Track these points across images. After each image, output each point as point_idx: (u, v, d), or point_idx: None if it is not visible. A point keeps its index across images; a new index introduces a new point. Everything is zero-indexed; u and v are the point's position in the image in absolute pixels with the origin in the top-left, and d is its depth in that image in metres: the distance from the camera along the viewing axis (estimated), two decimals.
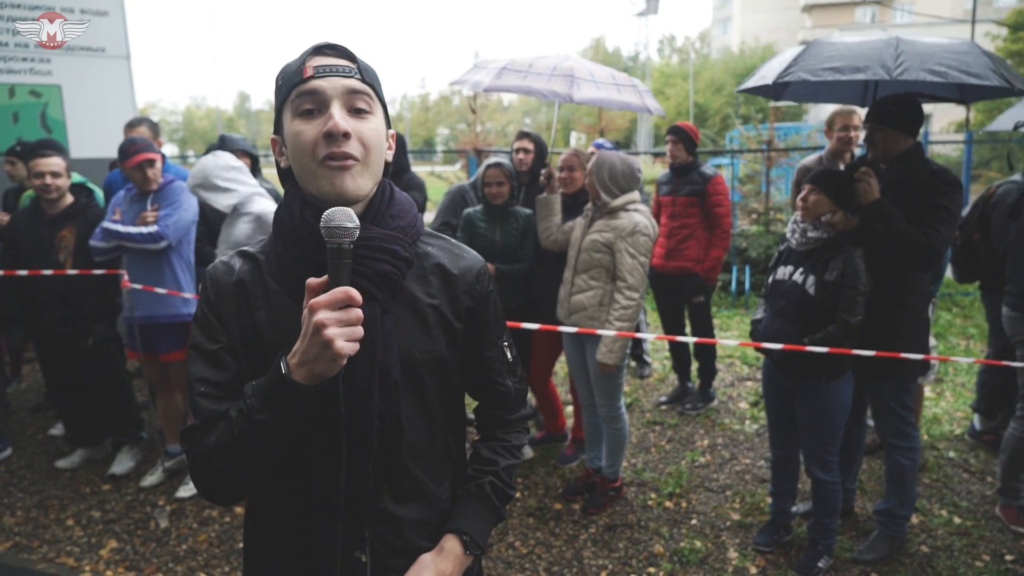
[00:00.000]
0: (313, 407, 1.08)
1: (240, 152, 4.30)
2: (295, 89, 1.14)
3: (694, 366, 5.17)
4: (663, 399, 5.20)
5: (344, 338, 1.00)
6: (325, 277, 1.04)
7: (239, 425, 1.08)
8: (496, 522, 1.34)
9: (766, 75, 3.02)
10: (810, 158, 4.41)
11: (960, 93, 3.15)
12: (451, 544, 1.26)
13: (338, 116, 1.11)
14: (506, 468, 1.37)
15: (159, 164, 3.84)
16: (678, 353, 5.22)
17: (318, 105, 1.13)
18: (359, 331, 1.03)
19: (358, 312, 1.02)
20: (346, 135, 1.11)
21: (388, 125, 1.24)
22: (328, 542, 1.18)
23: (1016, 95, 2.70)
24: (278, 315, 1.18)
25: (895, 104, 2.93)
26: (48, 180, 3.87)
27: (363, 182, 1.16)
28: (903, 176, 2.91)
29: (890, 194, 2.86)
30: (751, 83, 3.20)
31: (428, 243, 1.31)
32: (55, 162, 3.89)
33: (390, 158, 1.25)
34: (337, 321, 1.00)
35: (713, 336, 5.05)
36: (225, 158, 3.61)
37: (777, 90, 3.36)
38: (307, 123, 1.13)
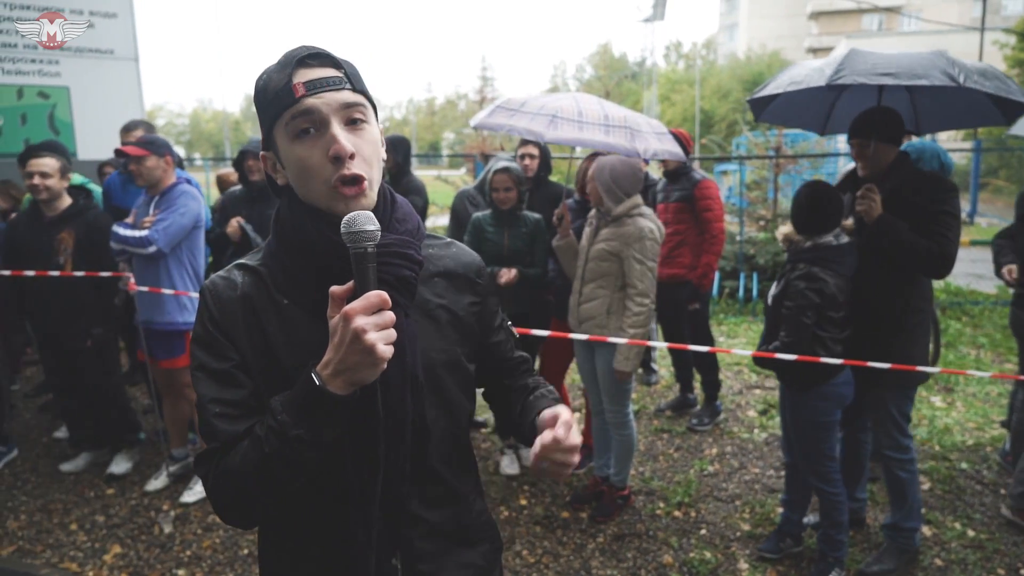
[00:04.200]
0: (349, 417, 1.06)
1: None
2: (288, 110, 1.10)
3: (698, 378, 5.13)
4: (663, 406, 5.16)
5: (384, 341, 1.00)
6: (349, 284, 1.03)
7: (270, 443, 1.04)
8: None
9: (803, 80, 2.90)
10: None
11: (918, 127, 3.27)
12: (565, 409, 1.24)
13: (341, 137, 1.09)
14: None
15: (149, 163, 3.71)
16: (680, 362, 5.19)
17: (315, 124, 1.10)
18: (393, 334, 1.03)
19: (391, 315, 1.02)
20: (352, 156, 1.10)
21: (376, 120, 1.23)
22: (363, 549, 1.16)
23: None
24: (290, 328, 1.16)
25: (880, 116, 2.92)
26: (36, 180, 3.82)
27: (370, 200, 1.16)
28: (897, 186, 2.92)
29: (888, 206, 2.86)
30: (782, 88, 3.06)
31: (429, 245, 1.31)
32: (44, 163, 3.85)
33: (384, 155, 1.23)
34: (375, 326, 0.99)
35: (712, 344, 5.00)
36: None
37: (759, 108, 3.47)
38: (308, 147, 1.10)
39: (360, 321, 0.98)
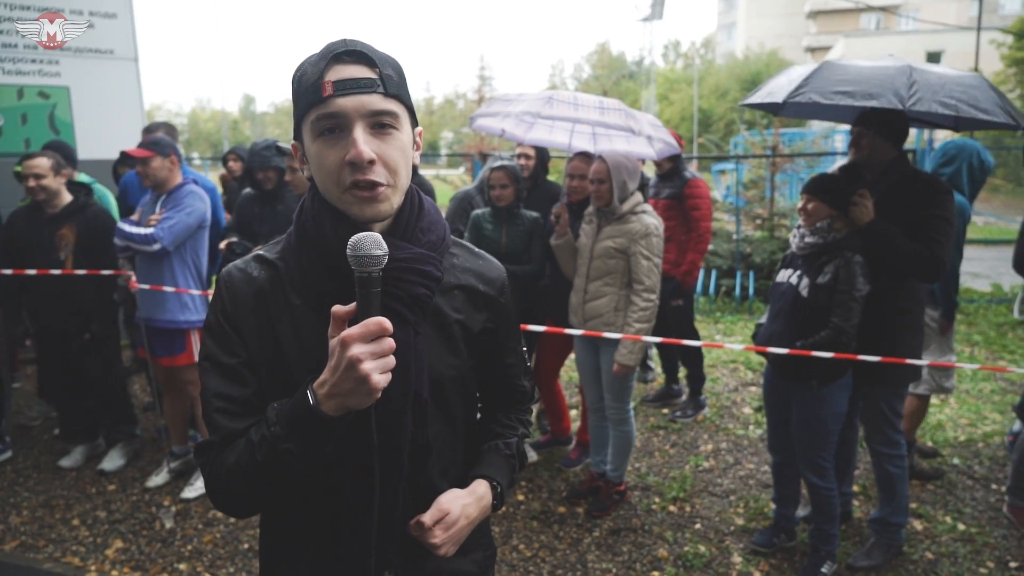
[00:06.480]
0: (341, 437, 1.05)
1: (269, 168, 4.26)
2: (314, 108, 1.07)
3: (683, 371, 5.20)
4: (648, 396, 5.25)
5: (379, 371, 0.97)
6: (353, 305, 1.00)
7: (261, 451, 1.05)
8: (511, 486, 1.34)
9: (774, 92, 3.00)
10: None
11: (955, 122, 3.16)
12: (483, 488, 1.25)
13: (361, 142, 1.05)
14: (523, 435, 1.41)
15: (155, 164, 3.75)
16: (666, 354, 5.28)
17: (339, 126, 1.07)
18: (392, 361, 1.00)
19: (391, 342, 0.99)
20: (371, 162, 1.06)
21: (415, 124, 1.18)
22: (358, 564, 1.16)
23: (1018, 129, 2.72)
24: (301, 330, 1.14)
25: (887, 114, 2.95)
26: (31, 183, 3.90)
27: (391, 204, 1.12)
28: (893, 186, 2.95)
29: (883, 206, 2.88)
30: (757, 98, 3.16)
31: (453, 253, 1.28)
32: (36, 164, 3.91)
33: (417, 160, 1.21)
34: (372, 355, 0.96)
35: (697, 339, 5.06)
36: None
37: (777, 106, 3.39)
38: (329, 146, 1.08)
39: (356, 349, 0.95)
